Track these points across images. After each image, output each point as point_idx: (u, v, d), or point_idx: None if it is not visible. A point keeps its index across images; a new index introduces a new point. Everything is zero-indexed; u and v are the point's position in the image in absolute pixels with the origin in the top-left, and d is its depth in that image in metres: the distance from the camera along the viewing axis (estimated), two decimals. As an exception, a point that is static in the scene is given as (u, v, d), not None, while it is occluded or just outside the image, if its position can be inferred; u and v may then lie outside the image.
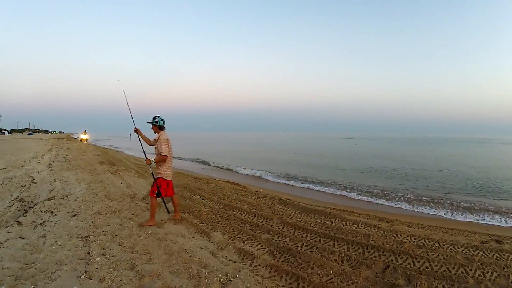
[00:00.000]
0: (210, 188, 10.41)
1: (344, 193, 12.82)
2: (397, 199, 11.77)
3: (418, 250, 5.12)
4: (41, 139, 62.72)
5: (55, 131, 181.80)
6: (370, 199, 11.86)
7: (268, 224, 6.59)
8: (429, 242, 5.57)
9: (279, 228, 6.32)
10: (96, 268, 4.05)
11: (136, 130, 6.17)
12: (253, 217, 7.14)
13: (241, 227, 6.31)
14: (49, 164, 15.83)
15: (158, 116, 5.98)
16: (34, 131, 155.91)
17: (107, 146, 47.62)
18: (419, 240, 5.65)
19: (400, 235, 5.91)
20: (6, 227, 5.87)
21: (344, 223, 6.76)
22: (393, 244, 5.37)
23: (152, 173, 6.22)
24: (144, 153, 6.44)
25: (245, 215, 7.24)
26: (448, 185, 14.91)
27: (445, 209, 10.30)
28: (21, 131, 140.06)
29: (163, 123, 6.03)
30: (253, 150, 43.22)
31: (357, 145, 60.02)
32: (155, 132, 6.07)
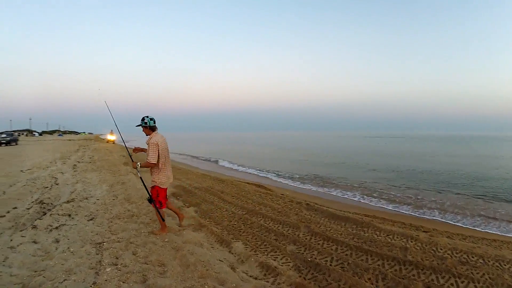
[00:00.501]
0: (234, 191, 10.06)
1: (374, 198, 12.14)
2: (431, 204, 11.08)
3: (461, 268, 4.56)
4: (70, 140, 64.62)
5: (84, 132, 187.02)
6: (402, 205, 11.08)
7: (295, 234, 6.09)
8: (472, 257, 5.00)
9: (306, 239, 5.83)
10: (106, 280, 3.75)
11: (135, 150, 5.87)
12: (278, 225, 6.67)
13: (265, 236, 5.88)
14: (74, 165, 15.99)
15: (147, 116, 5.31)
16: (64, 132, 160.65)
17: (133, 147, 48.51)
18: (462, 255, 5.08)
19: (441, 249, 5.33)
20: (21, 230, 5.75)
21: (378, 233, 6.20)
22: (433, 260, 4.82)
23: (140, 177, 5.60)
24: (130, 156, 5.91)
25: (269, 223, 6.80)
26: (488, 189, 13.87)
27: (483, 218, 9.44)
28: (51, 132, 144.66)
29: (154, 122, 5.35)
30: (274, 151, 42.79)
31: (385, 144, 58.71)
32: (147, 135, 5.40)
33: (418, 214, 9.81)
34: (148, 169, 5.33)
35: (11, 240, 5.16)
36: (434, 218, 9.38)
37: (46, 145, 37.05)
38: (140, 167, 5.16)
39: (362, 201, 11.70)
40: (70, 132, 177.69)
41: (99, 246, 4.89)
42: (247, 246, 5.33)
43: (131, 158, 5.77)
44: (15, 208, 7.40)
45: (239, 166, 22.12)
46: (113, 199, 8.19)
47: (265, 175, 17.87)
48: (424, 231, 6.60)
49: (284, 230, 6.32)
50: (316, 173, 18.90)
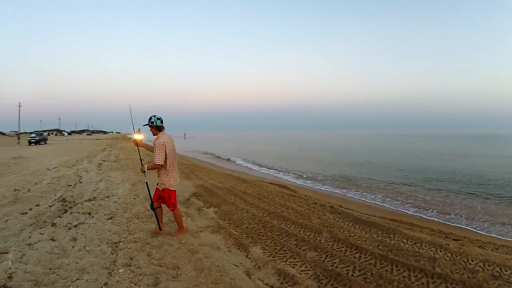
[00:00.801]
0: (256, 192, 9.79)
1: (400, 201, 11.54)
2: (460, 209, 10.39)
3: (494, 283, 4.11)
4: (97, 139, 66.19)
5: (112, 132, 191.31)
6: (430, 210, 10.37)
7: (316, 239, 5.75)
8: (505, 271, 4.50)
9: (328, 245, 5.47)
10: (117, 281, 3.66)
11: (136, 143, 5.52)
12: (299, 229, 6.32)
13: (285, 241, 5.58)
14: (99, 163, 16.23)
15: (154, 116, 5.13)
16: (93, 132, 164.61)
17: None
18: (494, 268, 4.58)
19: (472, 261, 4.85)
20: (41, 227, 5.77)
21: (405, 241, 5.71)
22: (463, 274, 4.38)
23: (146, 182, 5.48)
24: (141, 160, 5.66)
25: (290, 226, 6.45)
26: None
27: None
28: (80, 132, 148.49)
29: (161, 122, 5.16)
30: (296, 150, 42.27)
31: (412, 143, 56.51)
32: (153, 135, 5.25)
33: (446, 219, 9.21)
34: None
35: (30, 237, 5.17)
36: (462, 225, 8.83)
37: (74, 144, 38.02)
38: (147, 169, 4.99)
39: (387, 204, 11.15)
40: (98, 132, 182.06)
41: (115, 246, 4.83)
42: (265, 251, 5.10)
43: (141, 162, 5.53)
44: (38, 205, 7.49)
45: (261, 167, 21.69)
46: (134, 198, 8.15)
47: (287, 176, 17.45)
48: (454, 239, 6.13)
49: (306, 234, 5.99)
50: (341, 173, 18.46)
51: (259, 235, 5.86)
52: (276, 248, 5.22)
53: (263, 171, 19.35)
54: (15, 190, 9.07)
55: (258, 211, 7.48)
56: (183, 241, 5.01)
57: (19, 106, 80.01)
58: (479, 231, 8.26)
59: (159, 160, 4.89)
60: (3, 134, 65.95)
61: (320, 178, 16.72)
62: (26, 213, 6.81)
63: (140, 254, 4.45)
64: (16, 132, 78.51)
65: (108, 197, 8.32)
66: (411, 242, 5.64)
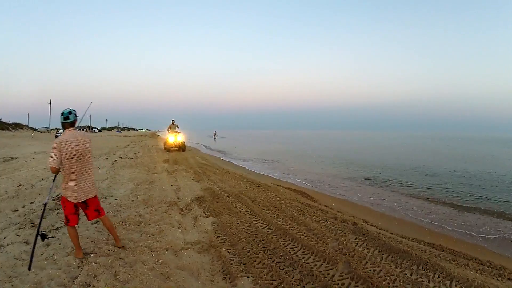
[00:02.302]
0: (267, 200, 8.66)
1: (439, 215, 9.95)
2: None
3: None
4: (125, 136, 67.37)
5: (142, 129, 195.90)
6: (477, 227, 8.79)
7: (328, 274, 4.40)
8: None
9: (342, 285, 4.14)
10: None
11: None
12: (309, 255, 5.02)
13: (285, 273, 4.36)
14: (115, 160, 15.98)
15: (66, 110, 4.22)
16: (123, 129, 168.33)
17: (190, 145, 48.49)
18: None
19: None
20: (20, 228, 5.45)
21: (448, 283, 4.32)
22: None
23: (51, 188, 4.46)
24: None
25: (298, 251, 5.20)
26: None
27: None
28: (110, 129, 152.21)
29: (64, 118, 4.18)
30: (328, 149, 41.31)
31: (447, 145, 53.76)
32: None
33: (493, 244, 7.64)
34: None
35: (5, 237, 4.92)
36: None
37: (100, 141, 38.59)
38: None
39: (423, 218, 9.37)
40: (129, 129, 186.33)
41: (85, 258, 4.26)
42: (256, 286, 4.02)
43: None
44: (32, 202, 7.22)
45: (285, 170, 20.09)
46: (132, 201, 7.62)
47: (310, 180, 15.79)
48: (510, 279, 4.88)
49: (315, 265, 4.71)
50: (368, 175, 17.29)
51: (255, 261, 4.74)
52: (271, 284, 4.08)
53: (285, 175, 17.67)
54: (19, 185, 8.92)
55: (263, 226, 6.36)
56: (160, 260, 4.32)
57: (50, 103, 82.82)
58: None
59: (50, 162, 3.99)
60: (35, 130, 68.52)
61: (343, 184, 15.15)
62: (18, 210, 6.60)
63: (106, 273, 3.85)
64: (47, 128, 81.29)
65: (105, 197, 7.86)
66: (456, 284, 4.33)
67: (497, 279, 4.75)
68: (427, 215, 9.73)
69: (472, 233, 8.28)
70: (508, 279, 4.85)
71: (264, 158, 25.11)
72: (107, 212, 6.35)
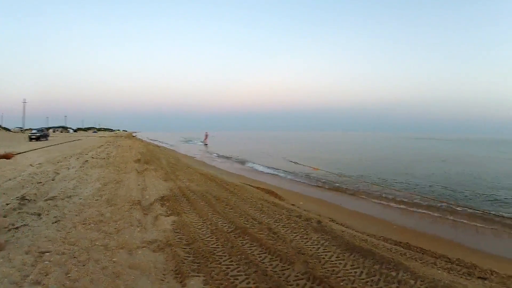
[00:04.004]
0: (232, 198, 8.52)
1: (405, 209, 10.30)
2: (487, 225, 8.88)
3: None
4: (101, 136, 66.06)
5: (118, 130, 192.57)
6: (448, 224, 8.96)
7: (283, 274, 4.16)
8: None
9: (297, 286, 3.92)
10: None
11: None
12: (266, 255, 4.79)
13: (238, 273, 4.13)
14: (86, 160, 15.67)
15: None
16: (99, 129, 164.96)
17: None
18: None
19: None
20: None
21: (412, 283, 4.03)
22: None
23: None
24: None
25: (255, 250, 4.96)
26: None
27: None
28: (86, 129, 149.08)
29: None
30: (309, 149, 41.81)
31: (432, 147, 54.95)
32: None
33: (465, 239, 7.79)
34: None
35: None
36: (486, 249, 7.15)
37: (74, 141, 37.43)
38: None
39: (395, 217, 9.35)
40: (105, 130, 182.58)
41: (40, 257, 4.15)
42: (206, 286, 3.80)
43: None
44: None
45: (269, 168, 19.70)
46: (96, 200, 7.46)
47: (287, 176, 16.19)
48: (480, 277, 4.67)
49: (271, 265, 4.45)
50: (343, 173, 17.44)
51: (209, 260, 4.52)
52: (222, 284, 3.87)
53: (267, 172, 17.87)
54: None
55: (224, 224, 6.18)
56: (114, 259, 4.22)
57: (24, 102, 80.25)
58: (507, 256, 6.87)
59: None
60: (8, 130, 66.19)
61: (319, 181, 15.19)
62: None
63: (58, 271, 3.77)
64: (21, 128, 78.66)
65: (70, 197, 7.65)
66: (421, 284, 4.05)
67: (466, 278, 4.56)
68: (398, 213, 9.94)
69: (444, 230, 8.43)
70: (478, 277, 4.68)
71: (241, 158, 25.00)
72: (69, 211, 6.29)
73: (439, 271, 4.63)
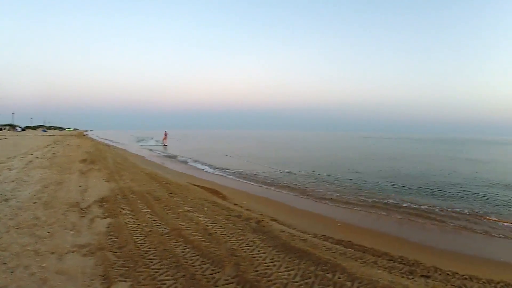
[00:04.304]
0: (172, 199, 8.44)
1: (350, 207, 10.23)
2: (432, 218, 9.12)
3: None
4: (50, 135, 62.70)
5: (69, 128, 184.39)
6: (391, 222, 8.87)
7: (212, 278, 4.05)
8: None
9: None
10: None
11: None
12: (197, 257, 4.68)
13: (167, 278, 4.01)
14: (30, 161, 15.04)
15: None
16: (49, 128, 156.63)
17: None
18: None
19: None
20: None
21: (349, 284, 3.95)
22: None
23: None
24: None
25: (188, 253, 4.85)
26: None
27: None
28: (35, 128, 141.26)
29: None
30: (255, 147, 42.14)
31: (373, 144, 56.71)
32: None
33: (409, 234, 7.78)
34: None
35: None
36: (433, 244, 7.13)
37: (20, 140, 35.60)
38: None
39: (341, 214, 9.32)
40: (55, 128, 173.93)
41: None
42: None
43: None
44: None
45: (216, 169, 19.05)
46: (34, 203, 7.25)
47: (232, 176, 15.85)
48: (422, 276, 4.57)
49: (201, 268, 4.33)
50: (292, 170, 17.66)
51: (138, 264, 4.41)
52: None
53: (215, 172, 17.28)
54: None
55: (159, 226, 6.09)
56: (43, 265, 4.18)
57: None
58: (461, 251, 6.77)
59: None
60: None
61: (268, 180, 15.02)
62: None
63: None
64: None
65: (7, 200, 7.40)
66: (358, 286, 3.97)
67: (408, 277, 4.47)
68: (343, 211, 9.85)
69: (390, 226, 8.38)
70: (420, 276, 4.57)
71: (194, 157, 24.52)
72: (4, 215, 6.13)
73: (379, 271, 4.56)
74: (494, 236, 7.78)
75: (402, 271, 4.62)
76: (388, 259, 5.16)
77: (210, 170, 17.98)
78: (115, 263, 4.40)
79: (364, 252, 5.43)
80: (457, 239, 7.68)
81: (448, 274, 4.67)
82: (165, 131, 43.11)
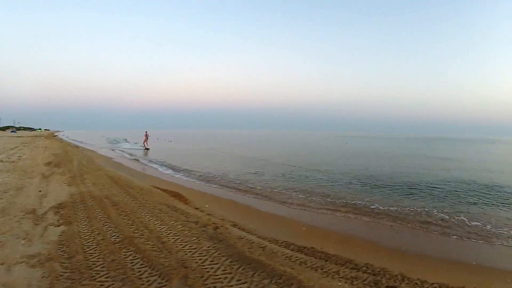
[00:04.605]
0: (131, 204, 8.15)
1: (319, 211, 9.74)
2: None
3: None
4: (19, 137, 60.47)
5: (40, 129, 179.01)
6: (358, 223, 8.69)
7: None
8: None
9: None
10: None
11: None
12: (145, 268, 4.49)
13: None
14: (-9, 165, 14.47)
15: None
16: (19, 128, 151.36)
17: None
18: None
19: None
20: None
21: None
22: None
23: None
24: None
25: (136, 263, 4.65)
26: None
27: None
28: (4, 128, 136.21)
29: None
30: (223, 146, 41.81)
31: (346, 143, 57.67)
32: None
33: (384, 240, 7.39)
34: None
35: None
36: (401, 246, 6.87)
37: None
38: None
39: (308, 217, 8.87)
40: (25, 129, 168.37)
41: None
42: None
43: None
44: None
45: (186, 169, 18.53)
46: None
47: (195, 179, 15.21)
48: (388, 287, 4.30)
49: (148, 281, 4.13)
50: (262, 170, 17.62)
51: (84, 276, 4.23)
52: None
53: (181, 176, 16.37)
54: None
55: (113, 234, 5.88)
56: None
57: None
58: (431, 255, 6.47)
59: None
60: None
61: (237, 181, 14.71)
62: None
63: None
64: None
65: (-39, 208, 7.21)
66: None
67: None
68: (311, 213, 9.51)
69: (358, 229, 8.07)
70: (386, 287, 4.27)
71: (165, 159, 23.82)
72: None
73: (340, 283, 4.27)
74: (464, 238, 7.55)
75: (365, 282, 4.34)
76: (352, 268, 4.89)
77: (180, 171, 17.50)
78: (62, 275, 4.27)
79: (326, 261, 5.15)
80: (427, 241, 7.40)
81: (416, 284, 4.46)
82: (146, 131, 37.81)
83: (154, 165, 19.81)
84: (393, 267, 5.01)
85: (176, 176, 15.95)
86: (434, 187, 13.88)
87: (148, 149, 33.51)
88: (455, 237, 7.65)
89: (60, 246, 5.28)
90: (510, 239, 7.51)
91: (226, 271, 4.40)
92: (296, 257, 5.12)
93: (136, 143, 43.43)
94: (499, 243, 7.26)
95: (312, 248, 5.70)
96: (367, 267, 4.88)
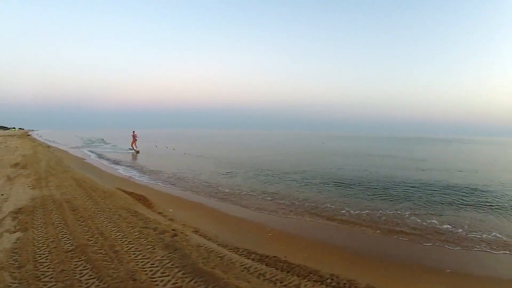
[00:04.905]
0: (93, 209, 7.98)
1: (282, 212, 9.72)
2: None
3: None
4: (-9, 136, 58.47)
5: (14, 128, 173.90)
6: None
7: None
8: None
9: None
10: None
11: None
12: (93, 281, 4.32)
13: None
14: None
15: None
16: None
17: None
18: None
19: None
20: None
21: None
22: None
23: None
24: None
25: (85, 275, 4.48)
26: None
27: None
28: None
29: None
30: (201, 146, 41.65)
31: (323, 143, 58.96)
32: None
33: (354, 246, 7.15)
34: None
35: None
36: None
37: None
38: None
39: (275, 222, 8.60)
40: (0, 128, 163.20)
41: None
42: None
43: None
44: None
45: (158, 171, 18.04)
46: None
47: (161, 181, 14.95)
48: None
49: None
50: (230, 170, 17.71)
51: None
52: None
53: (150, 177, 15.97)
54: None
55: (67, 242, 5.73)
56: None
57: None
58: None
59: None
60: None
61: (206, 182, 14.74)
62: None
63: None
64: None
65: None
66: None
67: None
68: (279, 217, 9.29)
69: (327, 234, 7.81)
70: None
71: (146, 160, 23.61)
72: None
73: None
74: (436, 244, 7.31)
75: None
76: (316, 280, 4.56)
77: (148, 173, 17.08)
78: (10, 286, 4.14)
79: (288, 272, 4.84)
80: (398, 248, 7.06)
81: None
82: (133, 131, 32.85)
83: (124, 167, 19.36)
84: (361, 277, 4.78)
85: (144, 178, 15.54)
86: (408, 188, 13.96)
87: (138, 151, 30.20)
88: (429, 244, 7.36)
89: (13, 254, 5.16)
90: (482, 243, 7.46)
91: (176, 285, 4.21)
92: (256, 268, 4.88)
93: (114, 145, 40.22)
94: (476, 249, 7.14)
95: (275, 257, 5.43)
96: (332, 279, 4.60)
